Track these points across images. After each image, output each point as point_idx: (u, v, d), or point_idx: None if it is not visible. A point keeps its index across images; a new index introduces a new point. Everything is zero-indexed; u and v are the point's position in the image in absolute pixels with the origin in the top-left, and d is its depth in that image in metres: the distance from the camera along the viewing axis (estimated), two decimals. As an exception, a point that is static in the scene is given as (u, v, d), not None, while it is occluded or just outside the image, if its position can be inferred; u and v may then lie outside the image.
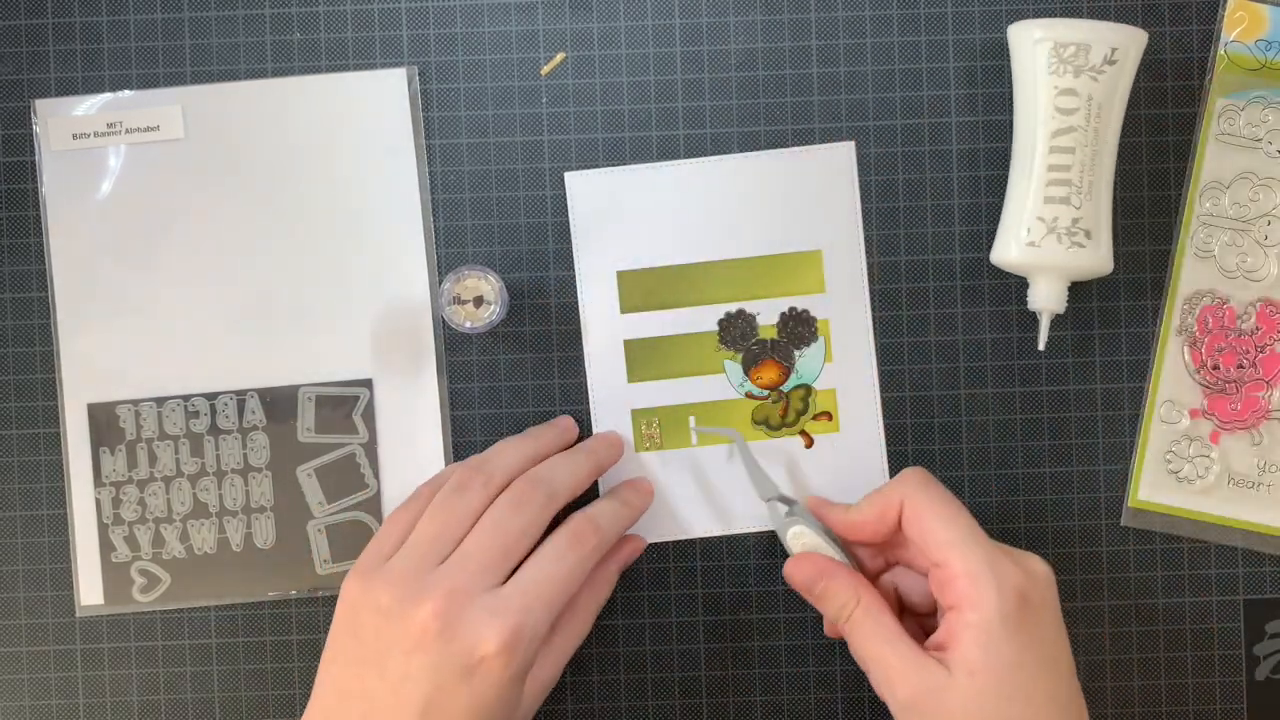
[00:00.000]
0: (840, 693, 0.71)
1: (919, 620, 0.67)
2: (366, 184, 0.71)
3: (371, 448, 0.71)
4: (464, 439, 0.71)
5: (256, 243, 0.71)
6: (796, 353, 0.71)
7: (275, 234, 0.71)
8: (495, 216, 0.71)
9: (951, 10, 0.71)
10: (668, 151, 0.71)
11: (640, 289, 0.71)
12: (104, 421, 0.71)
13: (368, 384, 0.71)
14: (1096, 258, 0.67)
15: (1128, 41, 0.67)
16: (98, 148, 0.71)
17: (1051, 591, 0.63)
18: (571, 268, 0.71)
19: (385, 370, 0.71)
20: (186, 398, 0.71)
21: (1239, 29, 0.70)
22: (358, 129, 0.71)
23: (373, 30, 0.71)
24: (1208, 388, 0.70)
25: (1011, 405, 0.71)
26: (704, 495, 0.71)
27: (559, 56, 0.71)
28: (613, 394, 0.71)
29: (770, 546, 0.71)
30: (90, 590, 0.71)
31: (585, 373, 0.71)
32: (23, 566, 0.71)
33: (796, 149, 0.71)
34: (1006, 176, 0.70)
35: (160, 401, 0.71)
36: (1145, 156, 0.71)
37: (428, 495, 0.65)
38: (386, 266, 0.71)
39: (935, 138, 0.71)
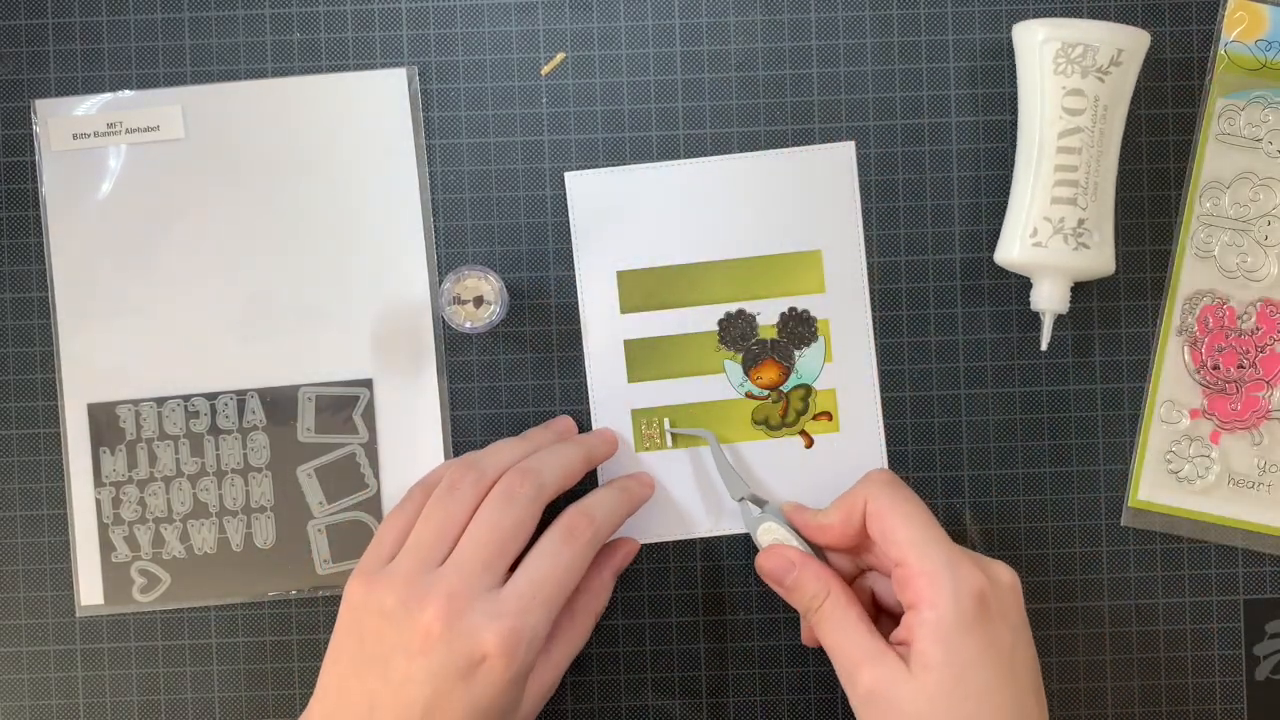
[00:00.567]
0: (840, 693, 0.71)
1: (895, 622, 0.67)
2: (366, 184, 0.71)
3: (371, 448, 0.71)
4: (464, 439, 0.71)
5: (256, 243, 0.71)
6: (796, 353, 0.71)
7: (275, 234, 0.71)
8: (495, 216, 0.71)
9: (951, 10, 0.71)
10: (668, 151, 0.71)
11: (640, 289, 0.71)
12: (104, 421, 0.71)
13: (368, 384, 0.71)
14: (1101, 258, 0.67)
15: (1133, 43, 0.67)
16: (98, 148, 0.71)
17: (1015, 600, 0.62)
18: (571, 268, 0.71)
19: (385, 370, 0.71)
20: (186, 398, 0.71)
21: (1239, 29, 0.70)
22: (358, 129, 0.71)
23: (373, 30, 0.71)
24: (1208, 388, 0.70)
25: (1011, 405, 0.71)
26: (704, 495, 0.71)
27: (559, 56, 0.71)
28: (613, 394, 0.71)
29: (770, 546, 0.71)
30: (90, 590, 0.71)
31: (585, 373, 0.71)
32: (23, 566, 0.71)
33: (796, 149, 0.71)
34: (1007, 176, 0.70)
35: (160, 401, 0.71)
36: (1145, 156, 0.71)
37: (421, 495, 0.65)
38: (386, 266, 0.71)
39: (935, 138, 0.71)
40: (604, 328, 0.71)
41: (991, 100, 0.71)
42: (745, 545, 0.71)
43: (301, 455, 0.71)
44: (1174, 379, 0.71)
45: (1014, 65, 0.69)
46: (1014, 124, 0.70)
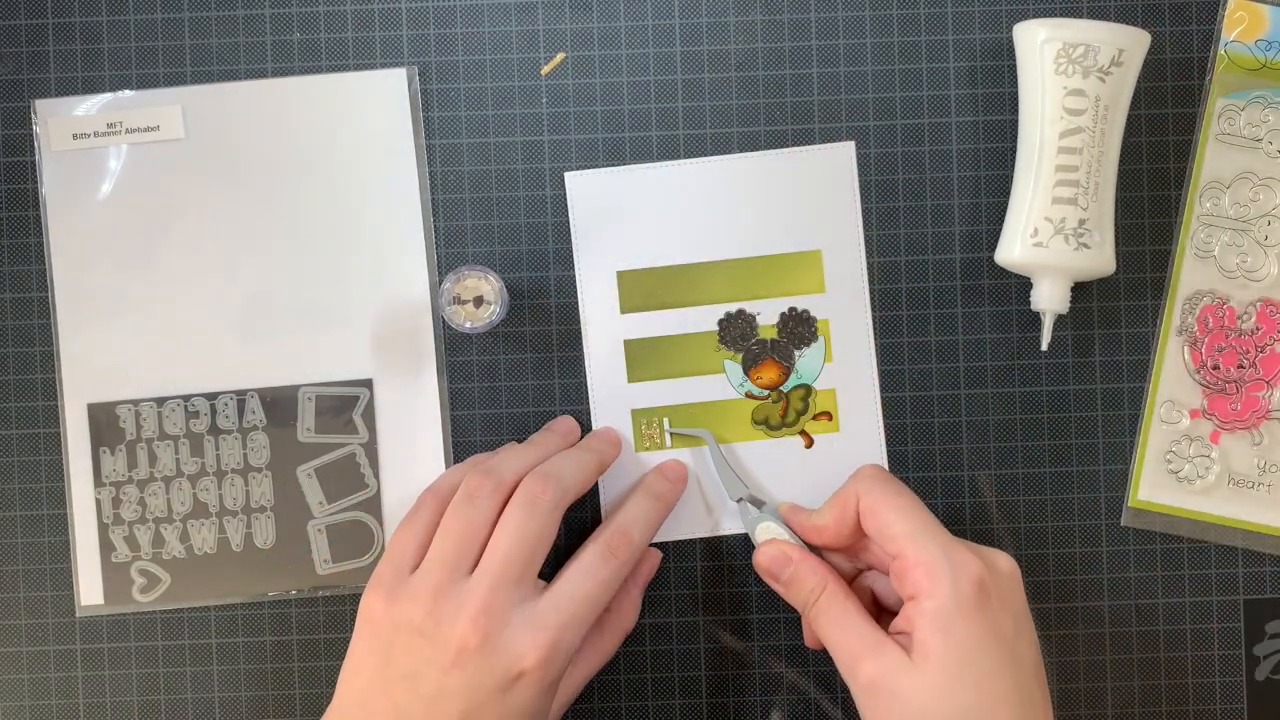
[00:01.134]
0: (840, 693, 0.71)
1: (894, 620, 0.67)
2: (366, 184, 0.71)
3: (371, 448, 0.71)
4: (464, 439, 0.71)
5: (256, 243, 0.71)
6: (796, 353, 0.71)
7: (275, 234, 0.71)
8: (495, 216, 0.71)
9: (951, 10, 0.71)
10: (668, 151, 0.71)
11: (640, 289, 0.71)
12: (104, 421, 0.71)
13: (368, 384, 0.71)
14: (1101, 258, 0.67)
15: (1133, 43, 0.67)
16: (98, 148, 0.71)
17: (1015, 587, 0.63)
18: (571, 268, 0.71)
19: (385, 370, 0.71)
20: (186, 398, 0.71)
21: (1239, 29, 0.70)
22: (358, 129, 0.71)
23: (373, 30, 0.71)
24: (1208, 388, 0.70)
25: (1011, 405, 0.71)
26: (704, 496, 0.71)
27: (559, 56, 0.71)
28: (613, 394, 0.71)
29: (770, 546, 0.71)
30: (90, 590, 0.71)
31: (585, 373, 0.71)
32: (23, 566, 0.71)
33: (796, 149, 0.71)
34: (1007, 176, 0.70)
35: (160, 401, 0.71)
36: (1145, 156, 0.71)
37: (432, 503, 0.65)
38: (386, 266, 0.71)
39: (935, 138, 0.71)
40: (604, 328, 0.71)
41: (991, 100, 0.71)
42: (745, 545, 0.71)
43: (301, 455, 0.71)
44: (1174, 379, 0.71)
45: (1014, 65, 0.69)
46: (1014, 124, 0.70)
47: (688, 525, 0.71)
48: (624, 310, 0.71)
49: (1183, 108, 0.71)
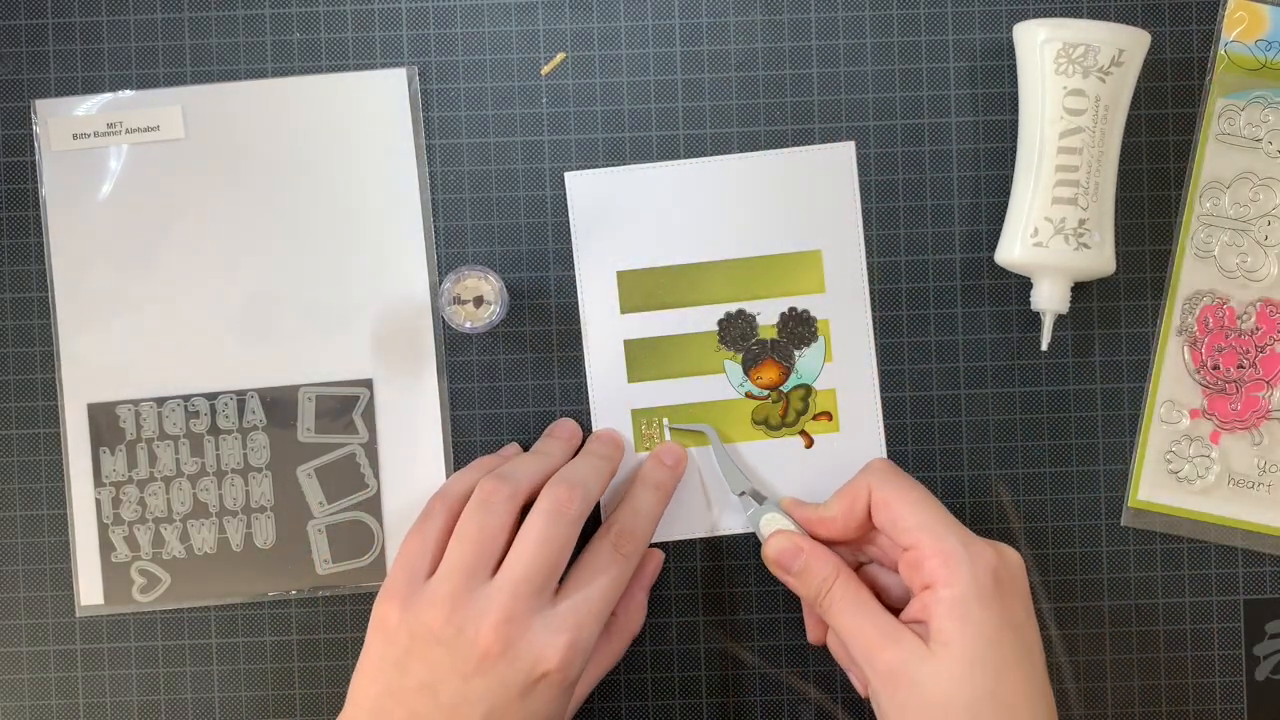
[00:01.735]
0: (840, 693, 0.71)
1: (897, 615, 0.67)
2: (366, 184, 0.71)
3: (371, 448, 0.71)
4: (464, 439, 0.71)
5: (256, 243, 0.71)
6: (796, 353, 0.71)
7: (275, 234, 0.71)
8: (495, 216, 0.71)
9: (951, 10, 0.71)
10: (668, 151, 0.71)
11: (640, 289, 0.71)
12: (104, 421, 0.71)
13: (368, 384, 0.71)
14: (1101, 258, 0.67)
15: (1133, 43, 0.67)
16: (98, 148, 0.71)
17: (1023, 578, 0.63)
18: (571, 268, 0.71)
19: (385, 370, 0.71)
20: (186, 398, 0.71)
21: (1239, 29, 0.70)
22: (358, 129, 0.71)
23: (373, 30, 0.71)
24: (1208, 388, 0.70)
25: (1011, 405, 0.71)
26: (705, 495, 0.71)
27: (559, 56, 0.71)
28: (613, 394, 0.71)
29: (770, 546, 0.71)
30: (90, 590, 0.71)
31: (585, 373, 0.71)
32: (23, 566, 0.71)
33: (796, 149, 0.71)
34: (1007, 176, 0.70)
35: (160, 401, 0.71)
36: (1145, 156, 0.71)
37: (442, 509, 0.65)
38: (386, 266, 0.71)
39: (935, 138, 0.71)
40: (604, 328, 0.71)
41: (991, 100, 0.71)
42: (745, 545, 0.71)
43: (301, 455, 0.71)
44: (1174, 379, 0.71)
45: (1014, 65, 0.69)
46: (1014, 124, 0.70)
47: (688, 524, 0.71)
48: (624, 310, 0.71)
49: (1183, 108, 0.71)
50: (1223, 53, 0.71)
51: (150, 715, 0.71)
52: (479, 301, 0.68)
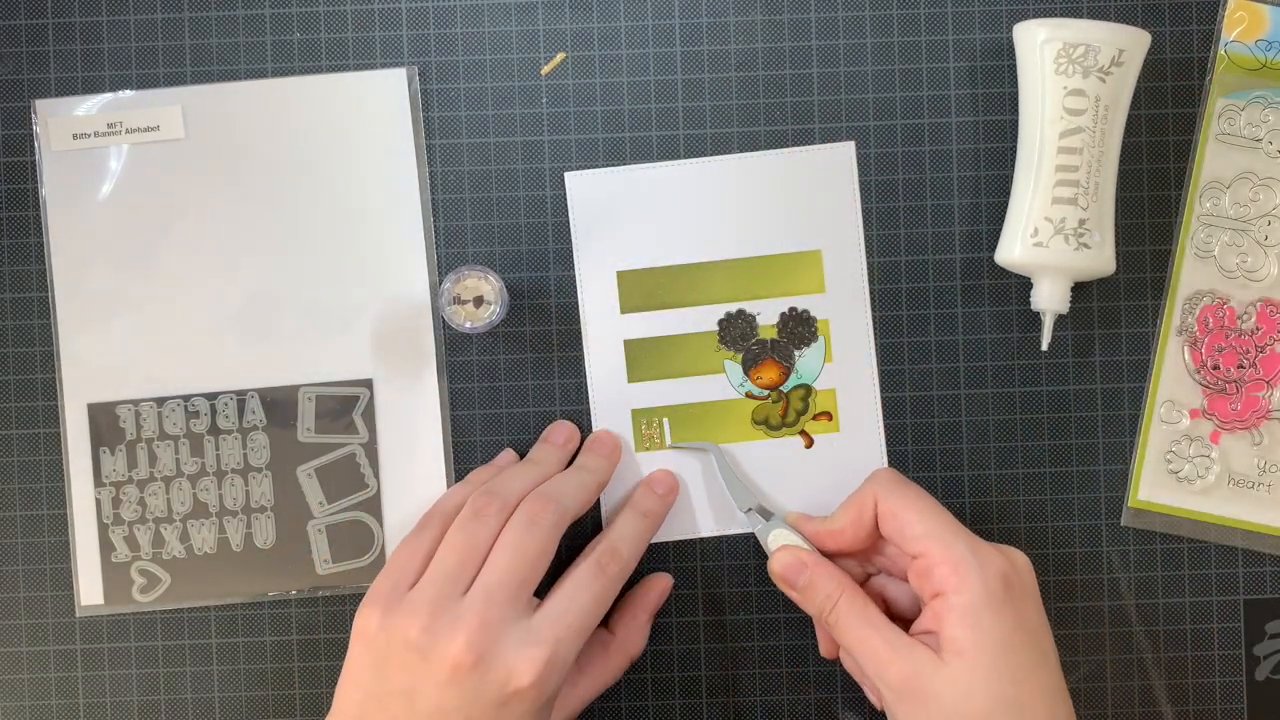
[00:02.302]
0: (840, 693, 0.71)
1: (906, 626, 0.67)
2: (366, 184, 0.71)
3: (371, 448, 0.71)
4: (464, 439, 0.71)
5: (256, 243, 0.71)
6: (796, 353, 0.71)
7: (275, 234, 0.71)
8: (495, 216, 0.71)
9: (951, 10, 0.71)
10: (668, 151, 0.71)
11: (640, 289, 0.71)
12: (104, 421, 0.71)
13: (368, 384, 0.71)
14: (1101, 258, 0.67)
15: (1133, 43, 0.67)
16: (98, 148, 0.71)
17: (1033, 581, 0.63)
18: (571, 268, 0.71)
19: (385, 370, 0.71)
20: (186, 398, 0.71)
21: (1239, 29, 0.70)
22: (358, 129, 0.71)
23: (373, 30, 0.71)
24: (1208, 388, 0.70)
25: (1011, 405, 0.71)
26: (705, 495, 0.71)
27: (559, 56, 0.71)
28: (613, 394, 0.71)
29: (770, 546, 0.71)
30: (90, 590, 0.71)
31: (585, 373, 0.71)
32: (23, 566, 0.71)
33: (796, 149, 0.71)
34: (1007, 176, 0.70)
35: (160, 401, 0.71)
36: (1145, 156, 0.71)
37: (438, 523, 0.65)
38: (386, 266, 0.71)
39: (935, 138, 0.71)
40: (604, 328, 0.71)
41: (991, 100, 0.71)
42: (745, 546, 0.71)
43: (301, 455, 0.71)
44: (1174, 379, 0.71)
45: (1014, 65, 0.69)
46: (1014, 124, 0.70)
47: (690, 526, 0.71)
48: (624, 310, 0.71)
49: (1183, 108, 0.71)
50: (1223, 53, 0.71)
51: (150, 715, 0.71)
52: (479, 301, 0.68)
